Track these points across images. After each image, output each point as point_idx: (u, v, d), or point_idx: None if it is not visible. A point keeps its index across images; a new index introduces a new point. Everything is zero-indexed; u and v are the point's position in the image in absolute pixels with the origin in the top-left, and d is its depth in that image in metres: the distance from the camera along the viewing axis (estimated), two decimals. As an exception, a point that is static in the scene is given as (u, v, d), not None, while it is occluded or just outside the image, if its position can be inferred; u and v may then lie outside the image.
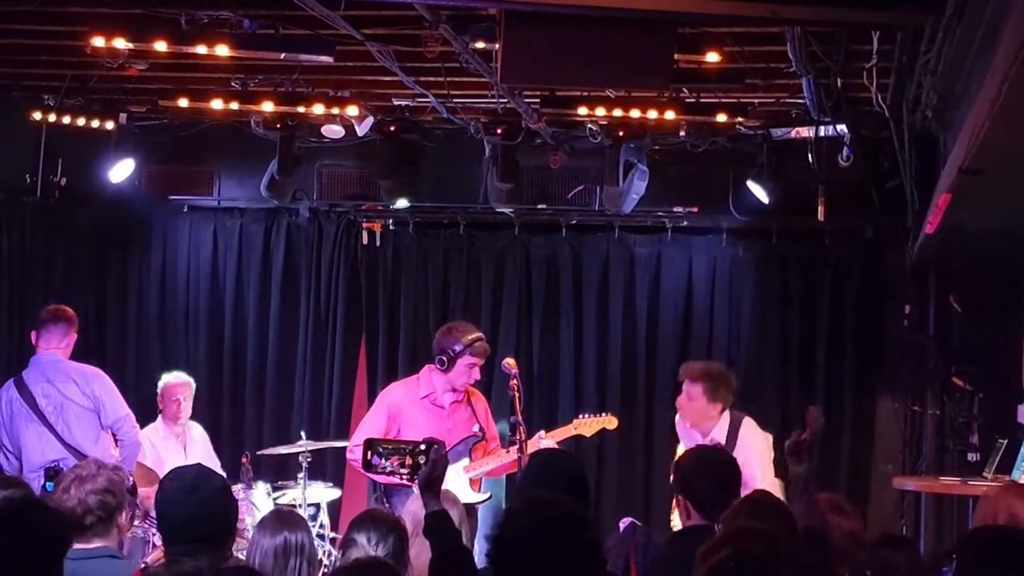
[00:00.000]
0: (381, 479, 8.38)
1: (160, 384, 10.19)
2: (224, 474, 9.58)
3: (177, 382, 10.17)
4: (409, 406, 9.01)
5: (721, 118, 9.69)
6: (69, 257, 11.53)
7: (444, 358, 8.92)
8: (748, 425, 8.50)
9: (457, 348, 8.93)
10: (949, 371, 10.79)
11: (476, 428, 9.08)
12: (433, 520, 5.13)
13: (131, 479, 8.92)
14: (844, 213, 10.50)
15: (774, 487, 8.47)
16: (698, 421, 8.45)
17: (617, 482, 11.34)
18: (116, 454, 8.96)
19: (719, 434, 8.40)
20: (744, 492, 8.19)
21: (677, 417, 8.75)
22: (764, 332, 11.23)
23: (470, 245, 11.64)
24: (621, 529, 6.53)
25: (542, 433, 9.00)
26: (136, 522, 9.13)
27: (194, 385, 10.28)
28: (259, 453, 10.03)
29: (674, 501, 6.95)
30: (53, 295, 11.14)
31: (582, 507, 4.41)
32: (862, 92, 8.55)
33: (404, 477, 5.39)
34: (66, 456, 8.65)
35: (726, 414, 8.43)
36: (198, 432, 10.30)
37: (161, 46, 8.10)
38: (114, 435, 9.03)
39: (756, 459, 8.32)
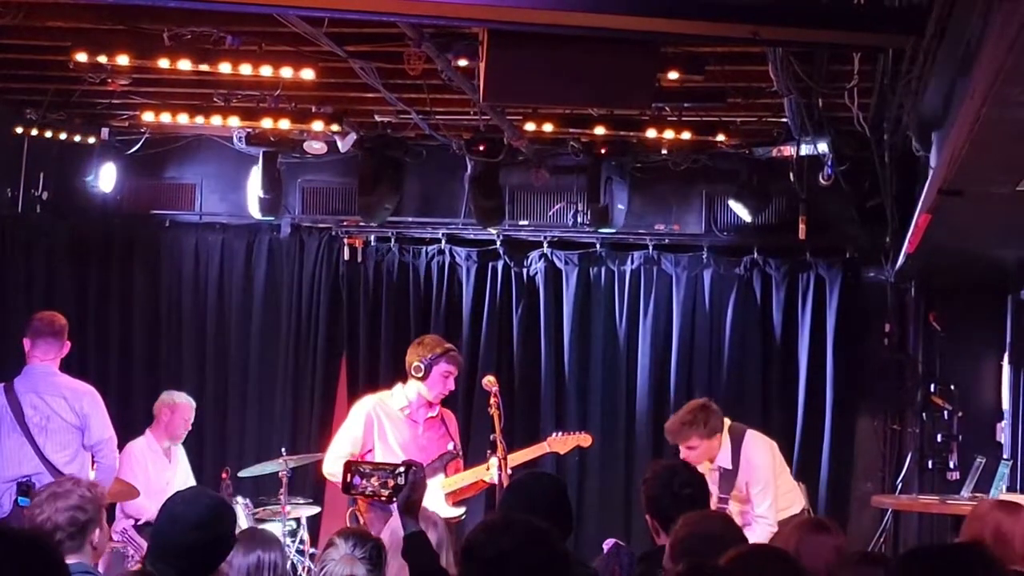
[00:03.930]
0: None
1: (170, 402, 10.21)
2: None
3: (191, 405, 10.26)
4: (384, 419, 8.98)
5: (703, 137, 9.74)
6: (50, 271, 11.51)
7: (421, 365, 8.92)
8: (749, 441, 8.51)
9: (432, 357, 8.93)
10: (929, 390, 10.83)
11: (450, 446, 9.09)
12: (411, 542, 5.16)
13: (106, 502, 8.89)
14: (825, 232, 10.56)
15: (791, 492, 8.53)
16: (709, 456, 8.46)
17: (598, 499, 11.35)
18: (92, 475, 8.90)
19: (724, 459, 8.42)
20: (752, 506, 8.33)
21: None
22: (744, 350, 11.25)
23: (451, 261, 11.65)
24: (605, 550, 6.52)
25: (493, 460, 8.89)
26: (116, 537, 9.11)
27: None
28: (239, 475, 10.00)
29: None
30: (34, 310, 11.11)
31: (544, 522, 4.43)
32: (843, 112, 8.57)
33: (383, 499, 5.42)
34: (41, 471, 8.58)
35: (726, 436, 8.43)
36: (180, 448, 10.31)
37: (144, 62, 8.11)
38: (92, 456, 8.95)
39: (758, 476, 8.38)
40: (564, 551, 4.40)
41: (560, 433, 9.55)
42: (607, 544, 6.65)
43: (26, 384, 8.85)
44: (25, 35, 8.35)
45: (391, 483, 5.33)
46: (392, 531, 5.79)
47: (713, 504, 8.36)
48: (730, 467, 8.37)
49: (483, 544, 4.32)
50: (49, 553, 3.65)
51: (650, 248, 11.37)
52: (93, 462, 8.93)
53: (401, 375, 9.24)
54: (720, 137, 9.83)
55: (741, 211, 10.58)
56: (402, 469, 5.35)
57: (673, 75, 7.93)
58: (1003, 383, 10.55)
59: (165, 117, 9.85)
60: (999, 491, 9.27)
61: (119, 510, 9.61)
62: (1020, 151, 5.93)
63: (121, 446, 9.39)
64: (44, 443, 8.72)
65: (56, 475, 8.26)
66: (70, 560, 5.34)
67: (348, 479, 5.46)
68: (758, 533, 8.17)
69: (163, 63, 8.14)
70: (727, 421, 8.48)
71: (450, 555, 5.82)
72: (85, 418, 8.82)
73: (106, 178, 10.95)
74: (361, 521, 8.57)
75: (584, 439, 9.53)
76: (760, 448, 8.52)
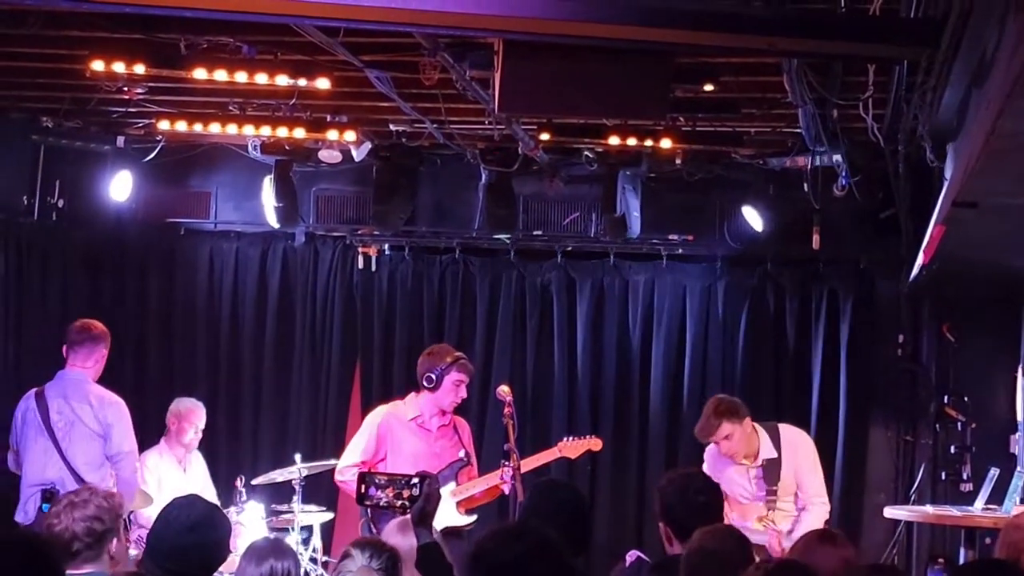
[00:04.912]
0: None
1: (180, 409, 10.23)
2: (219, 501, 9.71)
3: (200, 411, 10.27)
4: (397, 428, 9.03)
5: (717, 147, 9.74)
6: (66, 279, 11.52)
7: (432, 375, 8.96)
8: (786, 430, 8.70)
9: (443, 366, 8.97)
10: (942, 401, 10.83)
11: (461, 453, 9.11)
12: (426, 552, 5.17)
13: (125, 513, 8.95)
14: (839, 242, 10.54)
15: (823, 489, 8.64)
16: (749, 450, 8.61)
17: (610, 506, 11.36)
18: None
19: (767, 451, 8.59)
20: (802, 495, 8.44)
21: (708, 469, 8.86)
22: (758, 360, 11.26)
23: (465, 270, 11.68)
24: (627, 563, 6.46)
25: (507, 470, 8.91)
26: (132, 546, 9.14)
27: None
28: (253, 482, 10.03)
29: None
30: (49, 317, 11.16)
31: (555, 532, 4.46)
32: (858, 122, 8.58)
33: (397, 509, 5.44)
34: (65, 477, 8.65)
35: (761, 431, 8.57)
36: (197, 457, 10.33)
37: (160, 70, 8.13)
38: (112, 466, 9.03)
39: (805, 456, 8.64)
40: (571, 564, 4.41)
41: (571, 438, 9.57)
42: (630, 556, 6.59)
43: (56, 389, 8.99)
44: (42, 44, 8.37)
45: (405, 494, 5.36)
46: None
47: (756, 503, 8.50)
48: (775, 455, 8.49)
49: (491, 551, 4.35)
50: (45, 557, 3.67)
51: (664, 258, 11.38)
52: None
53: (414, 384, 9.26)
54: (734, 147, 9.84)
55: (755, 221, 10.58)
56: (416, 480, 5.38)
57: (688, 86, 7.94)
58: (1017, 394, 10.53)
59: (181, 125, 9.87)
60: (1013, 503, 9.26)
61: (133, 518, 9.65)
62: (1035, 163, 5.93)
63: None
64: (67, 448, 8.83)
65: (79, 482, 8.35)
66: (88, 569, 5.40)
67: (362, 490, 5.49)
68: (815, 514, 8.37)
69: (179, 72, 8.16)
70: (758, 426, 8.62)
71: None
72: (108, 428, 8.90)
73: (121, 186, 10.97)
74: (374, 531, 8.59)
75: (595, 443, 9.55)
76: (800, 433, 8.74)
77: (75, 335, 9.11)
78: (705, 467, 8.83)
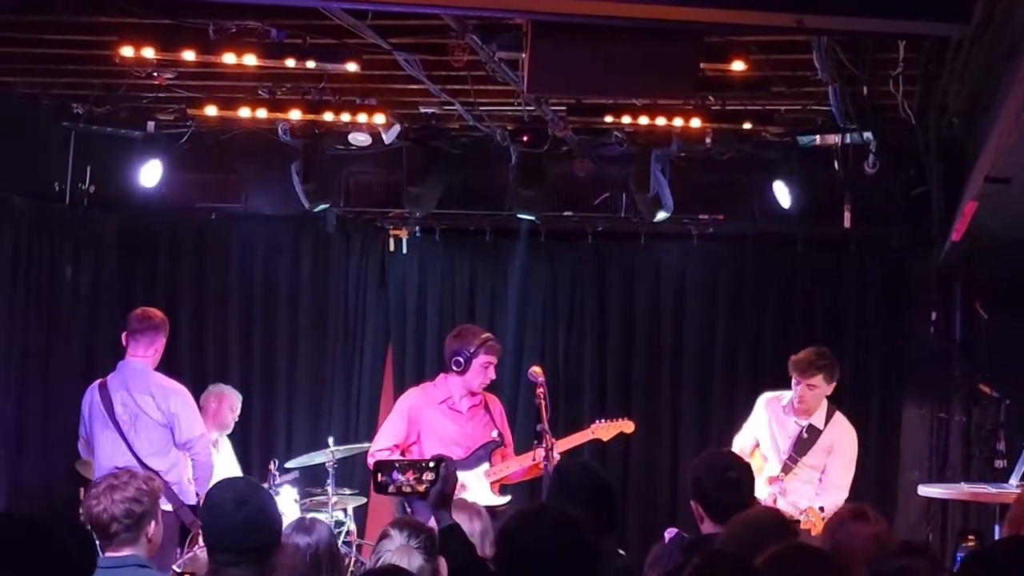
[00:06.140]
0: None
1: (223, 392, 10.42)
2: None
3: (238, 398, 10.47)
4: (428, 411, 9.06)
5: (747, 126, 9.72)
6: (98, 264, 11.55)
7: (460, 359, 8.98)
8: (841, 418, 9.01)
9: (471, 349, 8.99)
10: (975, 378, 10.77)
11: (494, 433, 9.12)
12: (446, 536, 5.19)
13: (199, 500, 9.01)
14: (870, 220, 10.51)
15: (844, 484, 8.72)
16: (814, 407, 8.88)
17: (643, 487, 11.36)
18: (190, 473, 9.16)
19: (818, 419, 8.88)
20: (824, 478, 8.54)
21: (758, 418, 9.05)
22: (789, 338, 11.18)
23: (496, 252, 11.67)
24: (666, 539, 6.44)
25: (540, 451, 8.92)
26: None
27: None
28: (286, 466, 10.07)
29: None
30: (82, 302, 11.20)
31: (580, 512, 4.51)
32: (888, 100, 8.55)
33: (419, 493, 5.42)
34: (134, 465, 8.71)
35: (825, 403, 8.91)
36: (224, 439, 10.41)
37: (189, 55, 8.16)
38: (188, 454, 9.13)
39: (846, 445, 8.88)
40: (595, 542, 4.46)
41: (603, 420, 9.60)
42: (669, 533, 6.57)
43: (118, 381, 9.09)
44: (71, 30, 8.40)
45: (426, 477, 5.35)
46: None
47: (774, 463, 8.60)
48: (821, 427, 8.81)
49: (515, 530, 4.44)
50: (48, 538, 3.65)
51: (694, 238, 11.35)
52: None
53: (446, 365, 9.27)
54: (764, 126, 9.81)
55: (785, 200, 10.55)
56: (432, 464, 5.37)
57: (717, 64, 7.92)
58: (1052, 370, 10.49)
59: (210, 110, 9.90)
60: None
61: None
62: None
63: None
64: (133, 439, 8.96)
65: (147, 470, 8.41)
66: (125, 552, 5.44)
67: (379, 479, 5.46)
68: (834, 498, 8.50)
69: (208, 57, 8.18)
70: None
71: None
72: (173, 417, 8.99)
73: (152, 171, 11.00)
74: (408, 512, 8.61)
75: (627, 425, 9.59)
76: (850, 427, 9.02)
77: (136, 323, 9.17)
78: (756, 409, 9.10)
